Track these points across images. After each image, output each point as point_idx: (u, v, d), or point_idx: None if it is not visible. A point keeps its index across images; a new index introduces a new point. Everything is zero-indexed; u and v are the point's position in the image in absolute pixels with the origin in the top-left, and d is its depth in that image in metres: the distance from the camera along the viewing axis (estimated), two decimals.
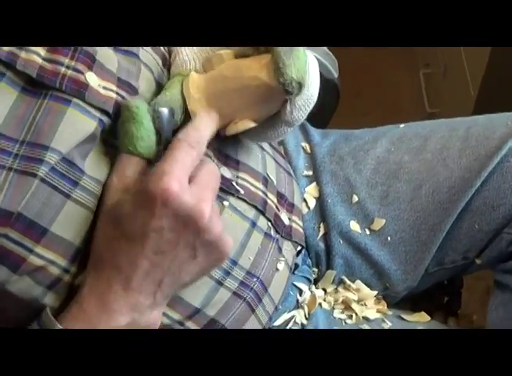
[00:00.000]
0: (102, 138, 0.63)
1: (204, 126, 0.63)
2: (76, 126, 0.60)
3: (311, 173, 0.88)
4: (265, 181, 0.76)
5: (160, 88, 0.69)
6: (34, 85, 0.59)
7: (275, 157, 0.82)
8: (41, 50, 0.60)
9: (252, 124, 0.66)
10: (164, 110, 0.63)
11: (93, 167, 0.61)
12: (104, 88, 0.62)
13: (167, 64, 0.72)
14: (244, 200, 0.71)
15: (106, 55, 0.64)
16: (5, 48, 0.58)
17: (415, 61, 2.14)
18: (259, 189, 0.74)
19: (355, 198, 0.85)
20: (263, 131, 0.69)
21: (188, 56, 0.69)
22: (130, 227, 0.58)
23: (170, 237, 0.58)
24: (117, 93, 0.63)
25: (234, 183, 0.71)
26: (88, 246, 0.61)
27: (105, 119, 0.62)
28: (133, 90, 0.65)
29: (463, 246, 0.83)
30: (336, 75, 1.01)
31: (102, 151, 0.63)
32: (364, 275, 0.85)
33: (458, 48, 1.70)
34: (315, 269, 0.86)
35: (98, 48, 0.64)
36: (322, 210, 0.86)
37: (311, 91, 0.65)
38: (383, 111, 2.08)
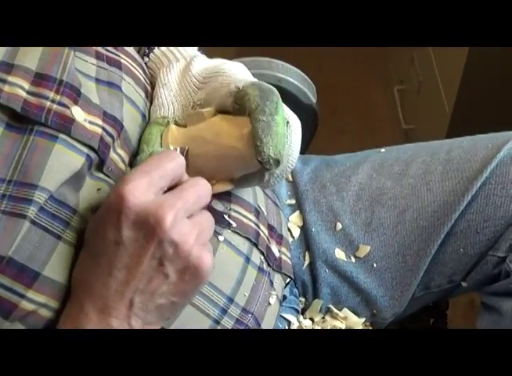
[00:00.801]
0: (90, 175, 0.62)
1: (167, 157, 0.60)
2: (63, 163, 0.59)
3: (294, 202, 0.88)
4: (257, 212, 0.76)
5: (144, 120, 0.69)
6: (19, 121, 0.58)
7: (263, 187, 0.82)
8: (25, 83, 0.59)
9: (229, 187, 0.66)
10: None
11: (84, 206, 0.60)
12: (90, 122, 0.61)
13: (149, 97, 0.72)
14: (238, 233, 0.71)
15: (90, 88, 0.64)
16: None
17: (389, 77, 2.15)
18: (251, 221, 0.74)
19: (339, 226, 0.85)
20: (238, 186, 0.68)
21: (166, 99, 0.69)
22: (93, 244, 0.57)
23: (132, 250, 0.56)
24: (103, 128, 0.62)
25: (226, 216, 0.71)
26: None
27: (92, 155, 0.61)
28: (118, 124, 0.65)
29: (448, 270, 0.83)
30: (314, 100, 1.01)
31: (91, 189, 0.62)
32: (351, 303, 0.85)
33: (431, 64, 1.72)
34: (302, 299, 0.86)
35: (82, 82, 0.63)
36: (306, 239, 0.85)
37: (291, 160, 0.65)
38: (359, 128, 2.09)
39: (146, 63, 0.75)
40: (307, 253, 0.85)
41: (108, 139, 0.63)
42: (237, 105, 0.64)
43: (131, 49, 0.72)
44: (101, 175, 0.63)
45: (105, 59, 0.67)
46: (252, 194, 0.77)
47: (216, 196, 0.71)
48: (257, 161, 0.61)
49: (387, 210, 0.84)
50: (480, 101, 1.55)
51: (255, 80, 0.66)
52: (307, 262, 0.85)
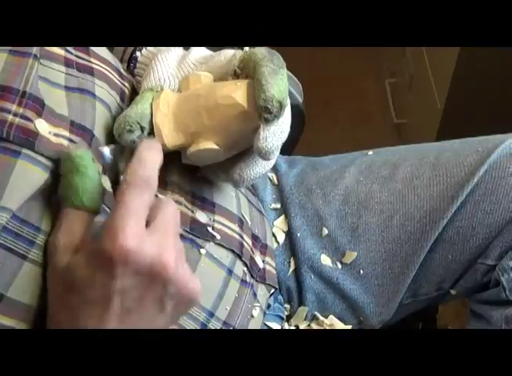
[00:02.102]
0: (54, 190, 0.59)
1: (150, 158, 0.57)
2: (27, 179, 0.56)
3: (279, 206, 0.86)
4: (241, 222, 0.74)
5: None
6: None
7: (247, 195, 0.80)
8: None
9: (215, 147, 0.63)
10: (106, 150, 0.59)
11: (48, 223, 0.58)
12: (55, 135, 0.58)
13: (125, 99, 0.69)
14: (221, 246, 0.69)
15: (56, 99, 0.61)
16: None
17: (381, 70, 2.13)
18: (235, 232, 0.72)
19: (325, 231, 0.83)
20: (226, 153, 0.65)
21: (163, 74, 0.67)
22: (89, 292, 0.54)
23: (135, 296, 0.54)
24: (70, 139, 0.59)
25: (210, 228, 0.68)
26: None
27: (58, 170, 0.58)
28: (88, 133, 0.62)
29: (437, 277, 0.81)
30: (300, 100, 0.99)
31: (57, 205, 0.58)
32: (337, 309, 0.83)
33: (423, 58, 1.70)
34: (287, 306, 0.84)
35: (48, 92, 0.60)
36: (291, 244, 0.83)
37: (286, 121, 0.62)
38: (351, 121, 2.07)
39: (136, 58, 0.72)
40: (292, 259, 0.83)
41: None
42: (241, 65, 0.63)
43: (104, 53, 0.69)
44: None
45: (74, 66, 0.64)
46: (236, 203, 0.75)
47: (200, 206, 0.69)
48: (260, 105, 0.59)
49: (373, 215, 0.82)
50: (471, 96, 1.53)
51: None
52: (292, 268, 0.83)
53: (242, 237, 0.72)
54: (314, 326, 0.83)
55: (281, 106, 0.59)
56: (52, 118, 0.59)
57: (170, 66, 0.67)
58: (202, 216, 0.69)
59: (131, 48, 0.72)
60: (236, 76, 0.64)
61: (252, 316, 0.73)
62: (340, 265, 0.82)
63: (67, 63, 0.63)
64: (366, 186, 0.83)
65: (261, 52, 0.62)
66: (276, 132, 0.60)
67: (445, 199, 0.78)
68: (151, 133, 0.63)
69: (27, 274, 0.56)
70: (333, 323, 0.83)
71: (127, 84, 0.70)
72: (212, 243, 0.68)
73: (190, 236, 0.67)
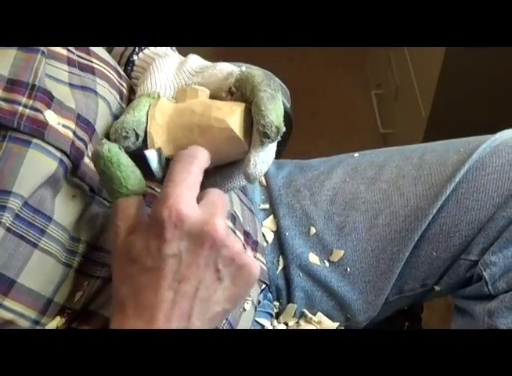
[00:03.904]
0: (66, 180, 0.61)
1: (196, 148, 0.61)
2: (37, 168, 0.58)
3: (267, 206, 0.88)
4: (233, 219, 0.76)
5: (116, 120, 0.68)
6: None
7: (238, 193, 0.82)
8: None
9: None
10: (152, 154, 0.62)
11: (59, 213, 0.60)
12: (63, 125, 0.61)
13: (124, 98, 0.72)
14: None
15: (63, 92, 0.63)
16: None
17: (367, 82, 2.16)
18: (229, 228, 0.74)
19: (313, 230, 0.85)
20: (218, 182, 0.67)
21: (160, 81, 0.68)
22: (146, 260, 0.55)
23: (188, 260, 0.55)
24: (74, 133, 0.62)
25: None
26: (56, 295, 0.60)
27: (65, 159, 0.61)
28: (90, 127, 0.64)
29: (421, 273, 0.83)
30: (288, 105, 1.01)
31: (67, 196, 0.61)
32: (325, 307, 0.85)
33: (408, 69, 1.73)
34: (277, 303, 0.86)
35: (54, 88, 0.63)
36: (280, 243, 0.85)
37: (272, 146, 0.64)
38: (337, 131, 2.10)
39: (134, 61, 0.74)
40: (281, 258, 0.85)
41: (79, 143, 0.63)
42: (238, 85, 0.65)
43: (104, 54, 0.72)
44: (77, 181, 0.62)
45: (77, 66, 0.67)
46: (228, 201, 0.77)
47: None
48: (259, 129, 0.61)
49: (360, 214, 0.84)
50: (455, 105, 1.56)
51: None
52: (281, 266, 0.85)
53: (235, 233, 0.74)
54: (302, 323, 0.85)
55: (278, 132, 0.61)
56: (61, 110, 0.62)
57: (167, 73, 0.69)
58: None
59: (128, 52, 0.75)
60: (230, 93, 0.66)
61: (244, 309, 0.75)
62: (327, 264, 0.84)
63: (70, 63, 0.66)
64: (353, 187, 0.86)
65: (258, 74, 0.64)
66: (264, 159, 0.63)
67: (429, 197, 0.81)
68: (145, 140, 0.65)
69: (37, 262, 0.58)
70: (321, 320, 0.85)
71: (125, 85, 0.72)
72: None
73: None
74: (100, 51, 0.71)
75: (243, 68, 0.66)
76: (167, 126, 0.65)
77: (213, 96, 0.66)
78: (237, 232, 0.75)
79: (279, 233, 0.86)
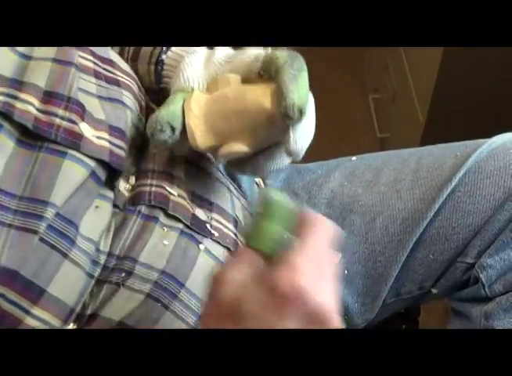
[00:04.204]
0: (98, 192, 0.63)
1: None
2: (72, 178, 0.60)
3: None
4: (235, 222, 0.76)
5: (138, 131, 0.71)
6: (29, 137, 0.60)
7: (239, 197, 0.82)
8: (35, 101, 0.61)
9: (245, 149, 0.66)
10: (282, 201, 0.55)
11: (88, 225, 0.62)
12: (98, 137, 0.63)
13: (143, 111, 0.74)
14: (218, 243, 0.72)
15: (93, 104, 0.65)
16: (1, 98, 0.59)
17: (364, 86, 2.17)
18: (231, 231, 0.75)
19: None
20: (261, 164, 0.68)
21: (192, 75, 0.70)
22: (254, 325, 0.51)
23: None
24: (110, 142, 0.64)
25: (208, 226, 0.71)
26: (77, 305, 0.61)
27: (99, 170, 0.63)
28: (123, 135, 0.66)
29: (418, 276, 0.84)
30: None
31: (98, 209, 0.63)
32: None
33: (405, 73, 1.74)
34: None
35: (85, 98, 0.65)
36: None
37: (310, 121, 0.65)
38: (335, 135, 2.10)
39: (163, 60, 0.75)
40: None
41: (118, 151, 0.65)
42: (264, 68, 0.66)
43: (125, 66, 0.74)
44: (105, 192, 0.64)
45: (103, 78, 0.69)
46: (231, 204, 0.78)
47: (198, 205, 0.72)
48: (281, 110, 0.61)
49: (357, 217, 0.85)
50: (452, 110, 1.57)
51: None
52: None
53: (236, 236, 0.75)
54: None
55: (301, 113, 0.61)
56: (93, 122, 0.64)
57: (197, 67, 0.70)
58: (201, 213, 0.71)
59: (157, 51, 0.76)
60: (259, 76, 0.67)
61: None
62: None
63: (96, 75, 0.69)
64: (351, 190, 0.87)
65: (282, 56, 0.64)
66: (304, 134, 0.64)
67: (426, 201, 0.82)
68: (182, 133, 0.66)
69: (66, 272, 0.59)
70: None
71: (143, 97, 0.74)
72: (210, 239, 0.71)
73: (190, 231, 0.69)
74: (122, 63, 0.74)
75: (269, 50, 0.67)
76: (203, 116, 0.66)
77: (244, 81, 0.67)
78: (239, 235, 0.76)
79: None
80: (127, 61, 0.78)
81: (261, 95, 0.64)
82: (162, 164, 0.71)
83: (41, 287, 0.58)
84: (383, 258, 0.83)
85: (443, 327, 0.92)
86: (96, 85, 0.68)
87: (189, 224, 0.69)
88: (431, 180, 0.83)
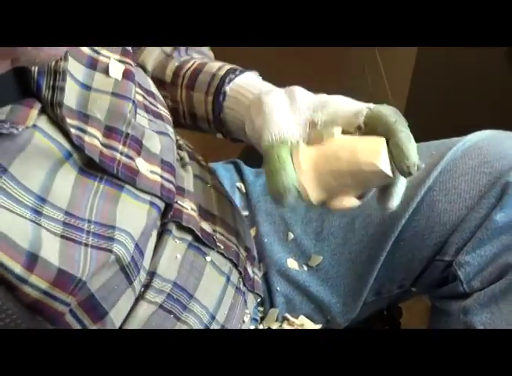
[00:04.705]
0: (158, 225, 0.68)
1: None
2: (131, 211, 0.63)
3: (247, 213, 0.90)
4: (237, 235, 0.79)
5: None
6: (91, 168, 0.62)
7: (239, 211, 0.84)
8: (99, 134, 0.63)
9: (358, 203, 0.68)
10: None
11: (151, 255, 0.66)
12: (151, 172, 0.66)
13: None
14: (222, 255, 0.74)
15: (150, 137, 0.68)
16: (73, 131, 0.61)
17: (342, 90, 2.18)
18: (233, 243, 0.77)
19: (291, 236, 0.87)
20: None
21: (283, 122, 0.69)
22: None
23: None
24: (162, 176, 0.67)
25: (214, 238, 0.74)
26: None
27: (156, 201, 0.66)
28: (172, 169, 0.70)
29: (398, 275, 0.85)
30: None
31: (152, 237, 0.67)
32: (305, 310, 0.86)
33: (380, 74, 1.76)
34: (261, 308, 0.87)
35: (144, 132, 0.67)
36: (259, 250, 0.87)
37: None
38: None
39: (225, 92, 0.77)
40: (261, 264, 0.87)
41: (168, 184, 0.68)
42: (367, 123, 0.67)
43: (161, 98, 0.76)
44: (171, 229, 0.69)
45: (151, 112, 0.71)
46: (233, 217, 0.80)
47: (204, 218, 0.74)
48: (401, 173, 0.65)
49: (336, 219, 0.86)
50: (428, 110, 1.59)
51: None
52: (262, 272, 0.87)
53: (238, 248, 0.78)
54: (285, 326, 0.86)
55: (418, 168, 0.65)
56: (149, 157, 0.67)
57: (284, 112, 0.70)
58: (207, 226, 0.74)
59: (216, 82, 0.78)
60: (358, 128, 0.68)
61: (243, 322, 0.77)
62: (306, 268, 0.86)
63: (146, 109, 0.71)
64: None
65: (390, 113, 0.67)
66: (402, 191, 0.69)
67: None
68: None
69: (127, 301, 0.65)
70: (304, 322, 0.86)
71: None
72: (215, 251, 0.74)
73: (197, 243, 0.72)
74: (159, 95, 0.76)
75: (371, 106, 0.68)
76: (314, 173, 0.67)
77: (344, 128, 0.68)
78: (240, 247, 0.78)
79: (258, 240, 0.87)
80: (181, 88, 0.80)
81: (374, 156, 0.65)
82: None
83: (106, 311, 0.62)
84: (362, 258, 0.85)
85: (425, 326, 0.93)
86: (148, 120, 0.71)
87: (200, 235, 0.72)
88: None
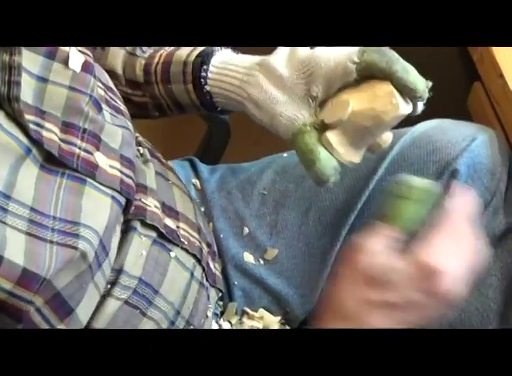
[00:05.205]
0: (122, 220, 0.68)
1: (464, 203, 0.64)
2: (96, 204, 0.64)
3: (202, 209, 0.90)
4: (199, 230, 0.79)
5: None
6: (51, 163, 0.62)
7: (199, 206, 0.85)
8: (57, 130, 0.63)
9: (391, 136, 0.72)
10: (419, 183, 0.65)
11: (115, 252, 0.66)
12: (110, 166, 0.67)
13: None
14: (186, 250, 0.75)
15: (110, 132, 0.68)
16: (31, 126, 0.61)
17: None
18: (196, 239, 0.78)
19: (246, 230, 0.87)
20: None
21: (288, 111, 0.70)
22: (393, 295, 0.60)
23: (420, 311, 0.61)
24: (121, 171, 0.68)
25: (178, 234, 0.74)
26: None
27: (117, 195, 0.66)
28: (132, 165, 0.70)
29: None
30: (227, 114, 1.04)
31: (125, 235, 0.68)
32: (264, 303, 0.87)
33: None
34: (220, 303, 0.88)
35: (103, 126, 0.68)
36: (216, 245, 0.87)
37: None
38: (273, 141, 2.11)
39: (205, 77, 0.75)
40: (218, 259, 0.87)
41: (127, 180, 0.68)
42: (361, 75, 0.67)
43: (118, 93, 0.76)
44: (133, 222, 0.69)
45: (112, 107, 0.72)
46: (194, 213, 0.81)
47: (167, 214, 0.75)
48: (413, 102, 0.66)
49: (290, 211, 0.87)
50: None
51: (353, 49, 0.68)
52: (220, 267, 0.87)
53: (201, 244, 0.78)
54: (245, 320, 0.87)
55: (428, 87, 0.67)
56: (107, 151, 0.67)
57: (280, 99, 0.71)
58: (170, 223, 0.75)
59: (189, 70, 0.76)
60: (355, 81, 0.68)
61: (207, 317, 0.78)
62: (262, 262, 0.87)
63: (108, 104, 0.71)
64: (282, 186, 0.89)
65: (378, 59, 0.66)
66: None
67: (355, 191, 0.84)
68: None
69: (90, 295, 0.64)
70: (264, 315, 0.87)
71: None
72: (179, 247, 0.74)
73: (161, 240, 0.73)
74: (117, 90, 0.76)
75: (355, 58, 0.67)
76: (345, 140, 0.68)
77: (344, 84, 0.68)
78: (202, 243, 0.79)
79: (214, 235, 0.88)
80: (157, 84, 0.79)
81: (384, 105, 0.66)
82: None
83: (72, 308, 0.62)
84: (317, 250, 0.86)
85: None
86: (110, 114, 0.71)
87: (164, 232, 0.73)
88: (359, 171, 0.85)
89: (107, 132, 0.68)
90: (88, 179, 0.64)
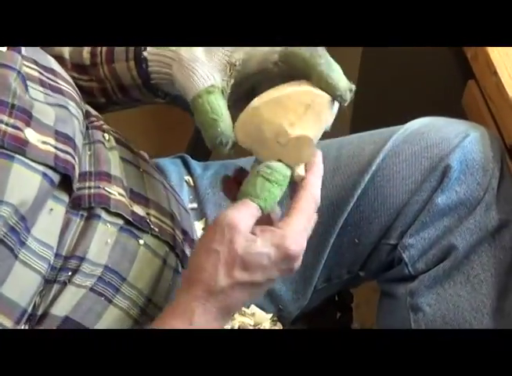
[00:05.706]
0: (52, 195, 0.65)
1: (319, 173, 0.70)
2: (24, 181, 0.62)
3: (195, 205, 0.90)
4: (172, 218, 0.79)
5: (82, 137, 0.73)
6: None
7: (174, 194, 0.84)
8: None
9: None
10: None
11: (41, 227, 0.64)
12: (43, 142, 0.65)
13: (84, 117, 0.76)
14: (157, 237, 0.74)
15: (42, 110, 0.67)
16: None
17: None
18: (168, 226, 0.77)
19: None
20: None
21: (203, 71, 0.70)
22: (260, 277, 0.64)
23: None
24: (56, 147, 0.66)
25: (148, 221, 0.74)
26: (31, 306, 0.63)
27: (50, 173, 0.64)
28: (69, 140, 0.68)
29: (346, 260, 0.87)
30: None
31: (53, 211, 0.66)
32: (256, 300, 0.87)
33: None
34: None
35: (34, 104, 0.66)
36: None
37: None
38: None
39: (146, 58, 0.75)
40: None
41: (64, 155, 0.67)
42: (284, 61, 0.68)
43: (66, 75, 0.75)
44: (61, 195, 0.67)
45: (48, 87, 0.71)
46: (167, 200, 0.80)
47: (136, 201, 0.75)
48: (338, 100, 0.67)
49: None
50: (375, 103, 1.61)
51: None
52: None
53: (174, 231, 0.77)
54: (236, 316, 0.87)
55: (351, 90, 0.67)
56: (40, 127, 0.66)
57: (202, 60, 0.70)
58: (139, 210, 0.74)
59: (132, 47, 0.76)
60: (276, 65, 0.69)
61: None
62: None
63: (43, 84, 0.70)
64: None
65: (305, 49, 0.67)
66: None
67: (348, 187, 0.84)
68: None
69: (17, 273, 0.62)
70: (255, 312, 0.87)
71: (83, 105, 0.76)
72: (149, 234, 0.74)
73: (129, 227, 0.72)
74: (63, 72, 0.75)
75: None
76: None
77: (262, 68, 0.70)
78: (176, 230, 0.78)
79: None
80: (101, 65, 0.79)
81: (310, 96, 0.67)
82: (99, 165, 0.73)
83: None
84: (311, 246, 0.84)
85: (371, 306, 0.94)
86: (44, 94, 0.70)
87: (130, 219, 0.72)
88: (351, 167, 0.85)
89: (38, 109, 0.67)
90: (17, 156, 0.63)
